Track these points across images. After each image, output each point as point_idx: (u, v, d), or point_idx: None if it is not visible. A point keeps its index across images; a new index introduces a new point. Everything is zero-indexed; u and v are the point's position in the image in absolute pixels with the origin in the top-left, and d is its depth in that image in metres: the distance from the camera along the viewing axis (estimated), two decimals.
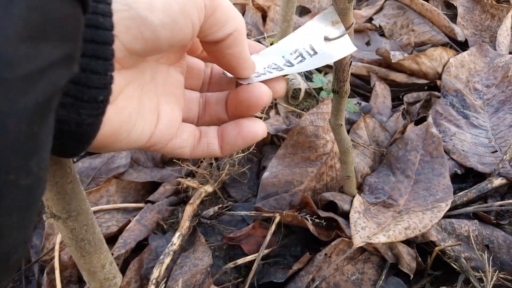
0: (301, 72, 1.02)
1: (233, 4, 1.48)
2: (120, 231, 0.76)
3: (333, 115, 0.64)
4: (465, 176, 0.83)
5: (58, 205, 0.49)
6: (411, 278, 0.68)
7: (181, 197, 0.84)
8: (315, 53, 0.43)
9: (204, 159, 0.89)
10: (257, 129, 0.37)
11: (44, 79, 0.19)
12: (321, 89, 0.99)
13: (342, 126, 0.66)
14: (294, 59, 0.43)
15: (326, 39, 0.44)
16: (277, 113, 0.93)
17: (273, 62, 0.42)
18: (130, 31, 0.28)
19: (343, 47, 0.44)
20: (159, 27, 0.29)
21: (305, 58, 0.43)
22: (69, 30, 0.21)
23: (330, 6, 0.46)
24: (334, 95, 0.60)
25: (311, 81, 1.01)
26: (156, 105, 0.35)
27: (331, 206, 0.75)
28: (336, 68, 0.56)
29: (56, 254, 0.73)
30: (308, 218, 0.70)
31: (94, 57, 0.26)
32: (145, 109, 0.34)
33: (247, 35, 1.20)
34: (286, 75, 0.42)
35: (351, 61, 0.56)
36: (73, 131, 0.27)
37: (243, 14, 1.36)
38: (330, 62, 0.44)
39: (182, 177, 0.86)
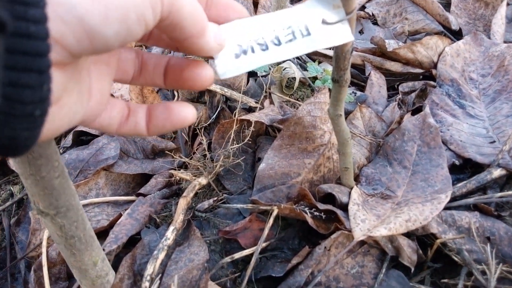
0: (295, 60, 0.99)
1: None
2: (111, 225, 0.73)
3: (332, 105, 0.62)
4: (463, 167, 0.82)
5: (45, 201, 0.46)
6: (411, 271, 0.66)
7: (173, 190, 0.81)
8: (308, 34, 0.40)
9: (196, 150, 0.86)
10: (186, 115, 0.37)
11: None
12: (315, 78, 0.97)
13: (341, 116, 0.64)
14: (285, 36, 0.40)
15: (324, 22, 0.41)
16: (272, 103, 0.90)
17: (261, 36, 0.39)
18: (79, 41, 0.26)
19: (341, 34, 0.41)
20: (112, 37, 0.27)
21: (295, 38, 0.40)
22: None
23: None
24: (334, 84, 0.58)
25: (306, 70, 0.98)
26: (89, 84, 0.33)
27: (329, 198, 0.73)
28: (337, 56, 0.54)
29: (44, 250, 0.69)
30: (307, 211, 0.68)
31: (27, 70, 0.23)
32: (81, 93, 0.31)
33: None
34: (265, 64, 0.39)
35: (352, 49, 0.53)
36: (7, 145, 0.25)
37: None
38: (322, 47, 0.41)
39: (175, 169, 0.83)
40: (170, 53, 1.00)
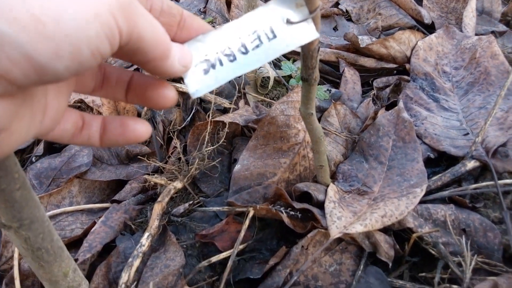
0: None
1: None
2: (85, 233, 0.71)
3: (303, 104, 0.62)
4: (438, 160, 0.83)
5: (7, 214, 0.44)
6: (389, 267, 0.66)
7: (149, 195, 0.80)
8: (274, 36, 0.40)
9: (172, 153, 0.85)
10: (141, 132, 0.37)
11: None
12: (290, 77, 0.96)
13: (312, 115, 0.64)
14: (251, 42, 0.39)
15: (288, 22, 0.41)
16: (247, 103, 0.90)
17: (227, 46, 0.38)
18: (26, 75, 0.25)
19: (305, 33, 0.41)
20: (63, 71, 0.26)
21: (262, 43, 0.39)
22: None
23: None
24: (303, 83, 0.58)
25: (280, 68, 0.98)
26: (45, 103, 0.32)
27: (306, 196, 0.73)
28: (304, 55, 0.53)
29: (16, 262, 0.67)
30: (283, 211, 0.67)
31: None
32: (34, 115, 0.30)
33: (212, 22, 1.16)
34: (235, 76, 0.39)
35: (319, 47, 0.53)
36: None
37: (206, 2, 1.31)
38: (288, 50, 0.40)
39: (149, 174, 0.82)
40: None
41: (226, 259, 0.67)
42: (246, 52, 0.38)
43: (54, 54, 0.24)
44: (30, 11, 0.23)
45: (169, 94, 0.35)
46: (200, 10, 1.31)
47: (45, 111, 0.31)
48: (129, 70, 0.38)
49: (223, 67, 0.38)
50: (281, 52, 0.39)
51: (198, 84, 0.37)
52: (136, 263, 0.64)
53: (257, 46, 0.39)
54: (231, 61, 0.38)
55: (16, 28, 0.23)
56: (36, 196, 0.46)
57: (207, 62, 0.38)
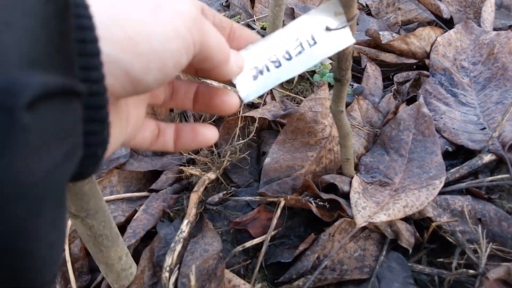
0: None
1: None
2: (127, 220, 0.78)
3: (334, 102, 0.67)
4: (456, 153, 0.87)
5: (76, 205, 0.51)
6: (409, 252, 0.72)
7: (183, 184, 0.86)
8: (315, 43, 0.44)
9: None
10: (210, 136, 0.41)
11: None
12: (314, 72, 1.01)
13: (343, 112, 0.69)
14: (294, 48, 0.43)
15: (327, 29, 0.45)
16: (273, 98, 0.94)
17: (273, 53, 0.43)
18: (125, 88, 0.30)
19: (343, 39, 0.45)
20: (152, 82, 0.31)
21: (304, 49, 0.44)
22: (69, 128, 0.24)
23: None
24: (336, 83, 0.62)
25: None
26: (127, 112, 0.36)
27: (332, 187, 0.78)
28: (339, 58, 0.58)
29: (66, 247, 0.74)
30: (312, 201, 0.73)
31: (92, 121, 0.27)
32: (121, 123, 0.35)
33: (236, 17, 1.20)
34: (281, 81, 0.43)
35: (353, 50, 0.58)
36: (76, 177, 0.29)
37: None
38: (328, 55, 0.44)
39: (184, 165, 0.88)
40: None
41: (259, 245, 0.73)
42: (290, 58, 0.43)
43: (146, 68, 0.30)
44: (127, 33, 0.28)
45: (233, 100, 0.40)
46: (222, 4, 1.35)
47: (128, 120, 0.37)
48: (195, 82, 0.43)
49: (270, 73, 0.42)
50: (322, 57, 0.44)
51: (248, 89, 0.41)
52: (178, 248, 0.70)
53: (300, 52, 0.43)
54: (277, 67, 0.42)
55: (117, 49, 0.28)
56: (100, 189, 0.52)
57: (255, 69, 0.42)
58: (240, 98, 0.41)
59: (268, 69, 0.42)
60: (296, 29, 0.44)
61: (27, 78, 0.20)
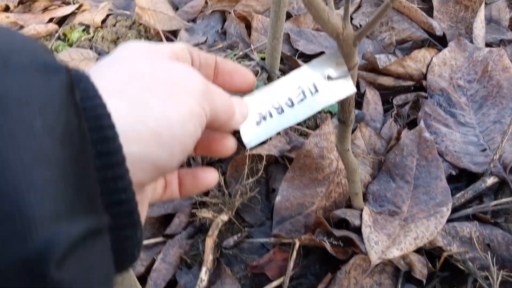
0: None
1: (211, 11, 1.44)
2: (147, 270, 0.79)
3: (339, 142, 0.69)
4: (459, 176, 0.89)
5: None
6: (424, 284, 0.74)
7: (197, 226, 0.88)
8: (316, 91, 0.46)
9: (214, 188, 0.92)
10: (210, 181, 0.42)
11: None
12: None
13: (349, 151, 0.71)
14: (296, 96, 0.46)
15: (329, 78, 0.47)
16: (278, 132, 0.96)
17: (276, 100, 0.45)
18: (152, 177, 0.31)
19: (344, 88, 0.47)
20: (176, 165, 0.33)
21: (306, 97, 0.46)
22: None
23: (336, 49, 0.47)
24: (341, 124, 0.64)
25: None
26: (147, 189, 0.38)
27: (343, 221, 0.80)
28: (342, 102, 0.60)
29: None
30: (326, 240, 0.75)
31: (126, 227, 0.28)
32: (144, 202, 0.37)
33: (233, 47, 1.22)
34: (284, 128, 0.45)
35: (355, 95, 0.60)
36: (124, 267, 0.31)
37: (223, 23, 1.36)
38: (330, 103, 0.46)
39: (195, 206, 0.89)
40: None
41: (277, 287, 0.75)
42: (292, 105, 0.45)
43: (171, 155, 0.31)
44: (150, 127, 0.30)
45: (230, 144, 0.42)
46: (217, 32, 1.36)
47: (147, 193, 0.39)
48: None
49: (273, 119, 0.44)
50: (324, 105, 0.46)
51: (251, 135, 0.43)
52: None
53: (302, 100, 0.45)
54: (279, 113, 0.44)
55: (143, 146, 0.30)
56: None
57: (259, 114, 0.44)
58: (243, 142, 0.43)
59: (271, 115, 0.44)
60: (298, 77, 0.46)
61: (55, 236, 0.20)
